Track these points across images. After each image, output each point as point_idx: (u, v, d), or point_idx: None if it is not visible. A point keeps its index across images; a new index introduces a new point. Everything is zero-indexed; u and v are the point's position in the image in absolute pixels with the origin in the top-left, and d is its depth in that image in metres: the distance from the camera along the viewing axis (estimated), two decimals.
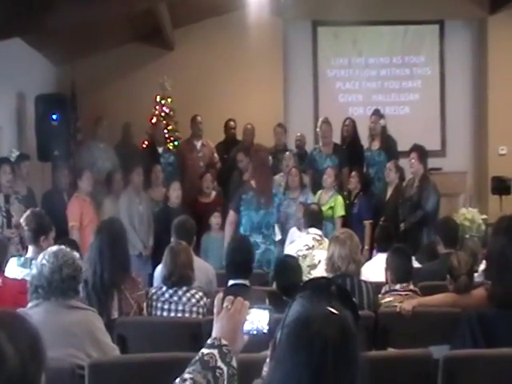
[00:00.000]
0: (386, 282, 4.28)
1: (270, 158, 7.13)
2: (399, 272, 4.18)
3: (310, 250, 5.36)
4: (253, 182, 6.07)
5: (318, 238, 5.50)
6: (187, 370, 1.69)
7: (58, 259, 3.08)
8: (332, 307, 1.47)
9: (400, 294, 4.11)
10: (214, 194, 7.84)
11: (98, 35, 8.69)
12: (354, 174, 7.59)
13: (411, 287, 4.16)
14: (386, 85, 10.59)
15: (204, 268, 4.86)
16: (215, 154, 8.71)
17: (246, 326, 1.79)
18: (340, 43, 10.53)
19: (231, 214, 6.14)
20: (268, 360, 1.76)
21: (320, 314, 1.46)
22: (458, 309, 3.84)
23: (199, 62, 9.75)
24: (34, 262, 3.45)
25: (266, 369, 1.82)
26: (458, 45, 10.47)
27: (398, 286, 4.15)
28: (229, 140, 8.96)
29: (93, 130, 8.36)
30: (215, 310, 1.81)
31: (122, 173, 7.61)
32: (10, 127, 7.54)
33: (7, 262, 4.38)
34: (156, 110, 9.07)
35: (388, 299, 4.13)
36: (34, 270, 3.11)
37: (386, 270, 4.27)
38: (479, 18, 10.31)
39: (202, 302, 4.07)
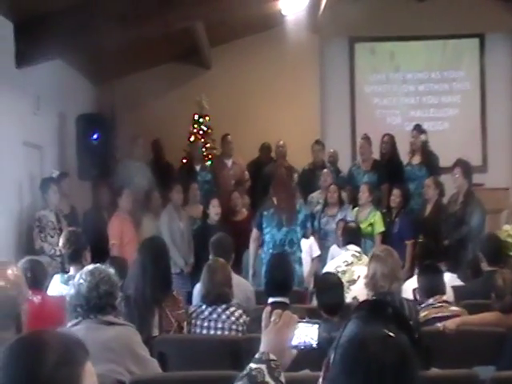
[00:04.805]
0: (415, 299, 4.34)
1: (296, 175, 7.07)
2: (426, 289, 4.26)
3: (349, 266, 5.31)
4: (274, 199, 6.05)
5: (357, 254, 5.47)
6: None
7: (95, 277, 3.13)
8: (388, 330, 1.44)
9: (434, 307, 4.13)
10: (245, 211, 7.80)
11: (137, 55, 8.81)
12: (396, 191, 7.36)
13: (444, 298, 4.19)
14: (425, 100, 10.47)
15: (242, 285, 4.84)
16: (246, 172, 8.73)
17: (294, 341, 1.74)
18: (377, 59, 10.47)
19: (254, 232, 6.15)
20: (321, 380, 1.73)
21: (376, 336, 1.43)
22: (503, 328, 3.73)
23: (236, 79, 9.81)
24: (70, 282, 3.49)
25: None
26: (498, 58, 10.31)
27: (431, 300, 4.18)
28: (262, 160, 8.93)
29: (129, 149, 8.47)
30: (263, 324, 1.77)
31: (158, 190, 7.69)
32: (52, 147, 7.68)
33: (48, 281, 4.43)
34: (194, 128, 9.15)
35: (423, 313, 4.12)
36: (72, 290, 3.15)
37: (414, 290, 4.30)
38: None
39: (241, 320, 4.04)
